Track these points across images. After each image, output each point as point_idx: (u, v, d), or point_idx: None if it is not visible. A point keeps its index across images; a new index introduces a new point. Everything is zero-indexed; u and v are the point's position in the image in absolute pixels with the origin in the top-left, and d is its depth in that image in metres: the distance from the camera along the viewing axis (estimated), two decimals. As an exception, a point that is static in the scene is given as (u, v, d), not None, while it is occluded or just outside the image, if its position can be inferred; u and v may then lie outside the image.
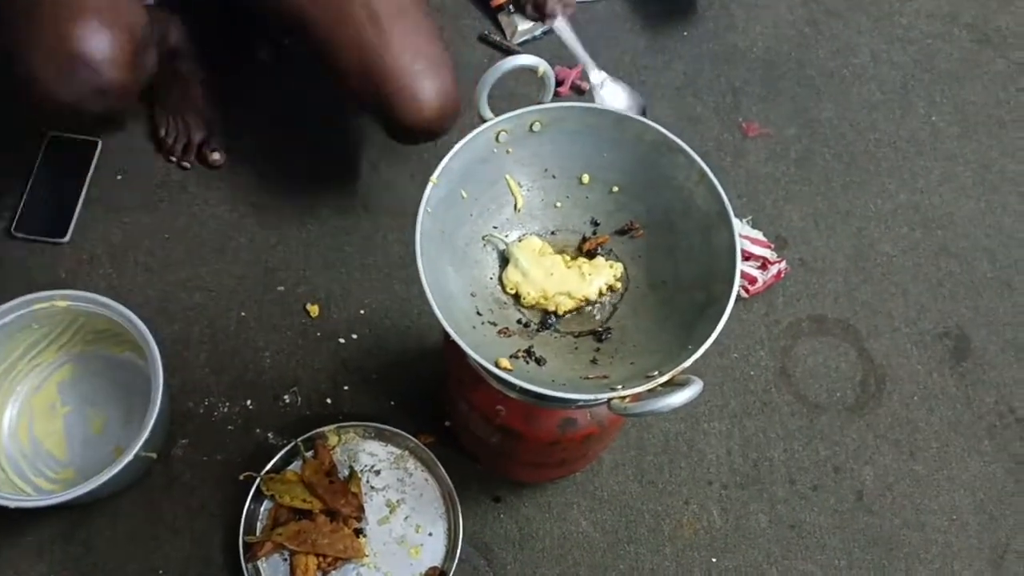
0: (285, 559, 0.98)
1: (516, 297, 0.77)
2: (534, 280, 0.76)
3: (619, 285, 0.78)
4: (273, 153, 1.23)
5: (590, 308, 0.77)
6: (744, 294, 1.16)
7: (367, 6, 0.96)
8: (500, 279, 0.77)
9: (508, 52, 1.32)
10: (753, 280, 1.16)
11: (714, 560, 1.04)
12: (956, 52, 1.40)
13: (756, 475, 1.08)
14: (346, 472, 1.02)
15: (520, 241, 0.78)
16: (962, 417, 1.14)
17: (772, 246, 1.20)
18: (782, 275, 1.19)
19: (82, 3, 0.89)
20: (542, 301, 0.76)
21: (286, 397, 1.09)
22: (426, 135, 1.02)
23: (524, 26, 1.33)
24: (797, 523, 1.06)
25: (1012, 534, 1.08)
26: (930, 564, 1.05)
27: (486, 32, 1.34)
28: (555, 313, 0.77)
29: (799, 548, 1.05)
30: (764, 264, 1.17)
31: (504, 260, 0.78)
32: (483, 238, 0.78)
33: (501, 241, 0.78)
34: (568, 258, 0.78)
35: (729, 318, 0.67)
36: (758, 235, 1.20)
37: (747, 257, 1.17)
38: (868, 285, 1.21)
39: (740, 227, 1.19)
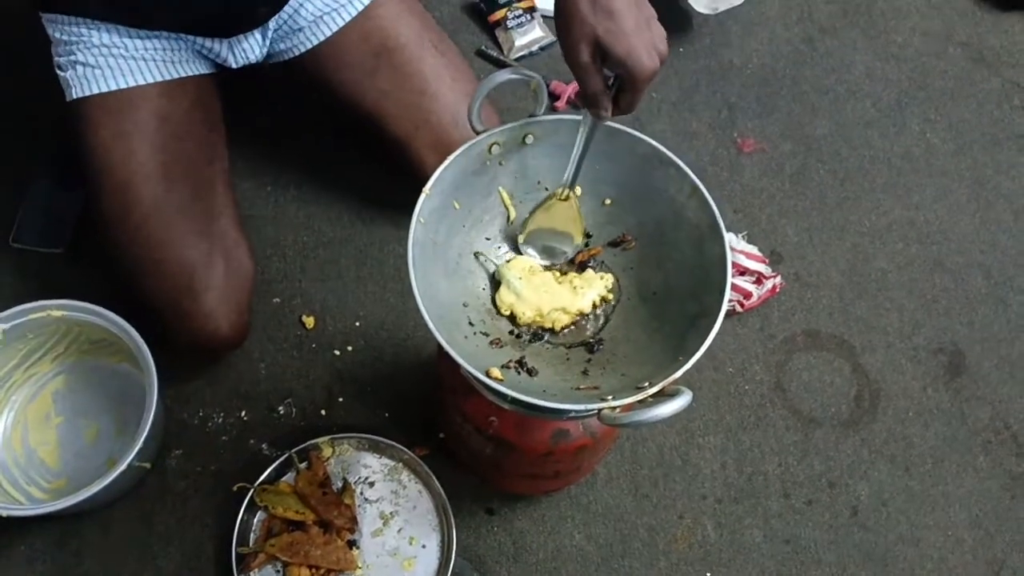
0: (278, 571, 0.98)
1: (512, 318, 0.77)
2: (528, 299, 0.76)
3: (611, 296, 0.78)
4: (269, 166, 1.24)
5: (583, 321, 0.78)
6: (739, 309, 1.16)
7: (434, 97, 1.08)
8: (493, 302, 0.77)
9: (505, 67, 1.33)
10: (748, 295, 1.16)
11: (708, 575, 1.03)
12: (950, 70, 1.41)
13: (751, 489, 1.08)
14: (340, 484, 1.02)
15: (508, 262, 0.79)
16: (957, 433, 1.14)
17: (767, 261, 1.20)
18: (777, 290, 1.19)
19: (206, 281, 0.98)
20: (538, 319, 0.76)
21: (280, 408, 1.09)
22: None
23: (521, 41, 1.34)
24: (792, 538, 1.06)
25: (1008, 550, 1.07)
26: (925, 580, 1.05)
27: (484, 47, 1.35)
28: (552, 330, 0.77)
29: (794, 563, 1.05)
30: (759, 279, 1.17)
31: (496, 282, 0.78)
32: (475, 255, 0.78)
33: (491, 262, 0.78)
34: (558, 274, 0.79)
35: (724, 333, 0.67)
36: (753, 250, 1.20)
37: (742, 272, 1.17)
38: (863, 300, 1.21)
39: (735, 242, 1.20)
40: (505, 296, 0.76)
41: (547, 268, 0.79)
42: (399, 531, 1.01)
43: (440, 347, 0.67)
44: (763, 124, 1.33)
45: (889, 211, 1.28)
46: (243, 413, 1.08)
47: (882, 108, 1.37)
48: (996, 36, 1.45)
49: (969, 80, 1.40)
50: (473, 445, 0.92)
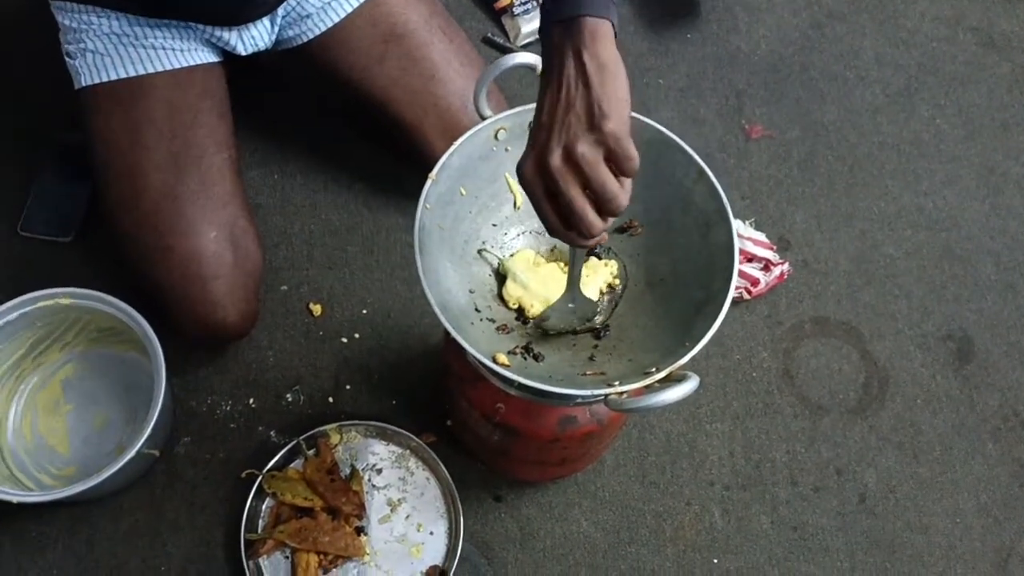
0: (286, 557, 0.98)
1: (520, 311, 0.77)
2: (535, 291, 0.76)
3: (618, 283, 0.78)
4: (276, 153, 1.24)
5: (590, 308, 0.78)
6: (747, 295, 1.16)
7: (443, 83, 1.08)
8: (500, 296, 0.77)
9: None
10: (756, 282, 1.16)
11: (715, 561, 1.04)
12: (961, 55, 1.40)
13: (758, 476, 1.08)
14: (348, 471, 1.02)
15: (512, 256, 0.78)
16: (966, 420, 1.13)
17: (775, 248, 1.19)
18: (785, 277, 1.19)
19: (215, 269, 0.98)
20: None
21: (288, 396, 1.09)
22: None
23: (528, 28, 1.34)
24: (799, 525, 1.06)
25: (1016, 537, 1.07)
26: (933, 567, 1.05)
27: (490, 34, 1.35)
28: None
29: (801, 550, 1.05)
30: (767, 266, 1.17)
31: (501, 276, 0.78)
32: (478, 252, 0.78)
33: (495, 256, 0.78)
34: (562, 265, 0.79)
35: (731, 320, 0.67)
36: (761, 237, 1.19)
37: (750, 259, 1.17)
38: (871, 287, 1.21)
39: (743, 229, 1.19)
40: (512, 290, 0.76)
41: (550, 259, 0.79)
42: (407, 518, 1.01)
43: (447, 333, 0.67)
44: (771, 110, 1.33)
45: (898, 197, 1.28)
46: (251, 400, 1.08)
47: (891, 94, 1.36)
48: (1007, 21, 1.43)
49: (979, 65, 1.39)
50: (480, 432, 0.92)
